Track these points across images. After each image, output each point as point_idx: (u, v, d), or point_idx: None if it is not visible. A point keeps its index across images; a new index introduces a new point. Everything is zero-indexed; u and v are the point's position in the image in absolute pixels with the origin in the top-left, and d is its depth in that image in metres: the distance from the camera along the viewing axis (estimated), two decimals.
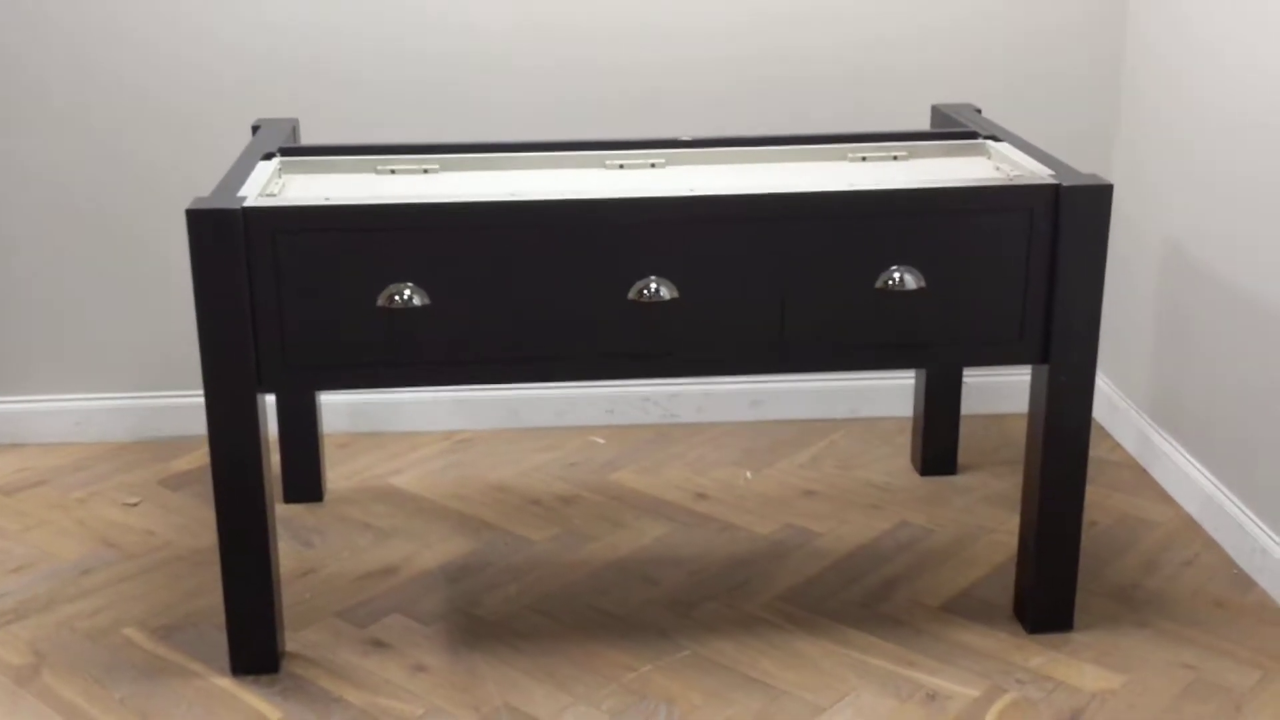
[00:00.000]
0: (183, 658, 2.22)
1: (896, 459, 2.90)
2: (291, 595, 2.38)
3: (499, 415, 3.04)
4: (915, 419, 2.83)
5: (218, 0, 2.77)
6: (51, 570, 2.49)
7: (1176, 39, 2.71)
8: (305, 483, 2.70)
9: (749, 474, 2.85)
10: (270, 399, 2.65)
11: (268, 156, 2.28)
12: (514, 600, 2.39)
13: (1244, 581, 2.44)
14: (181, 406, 2.96)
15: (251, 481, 2.08)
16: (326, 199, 2.07)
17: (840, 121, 2.83)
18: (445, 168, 2.30)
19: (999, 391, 3.08)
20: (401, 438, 3.01)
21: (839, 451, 2.95)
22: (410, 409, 3.02)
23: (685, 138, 2.37)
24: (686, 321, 2.10)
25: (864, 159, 2.36)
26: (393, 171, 2.28)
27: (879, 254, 2.10)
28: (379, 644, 2.26)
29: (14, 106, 2.81)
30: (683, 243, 2.08)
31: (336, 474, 2.83)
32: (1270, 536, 2.40)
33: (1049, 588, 2.26)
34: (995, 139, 2.39)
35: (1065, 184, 2.09)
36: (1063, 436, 2.18)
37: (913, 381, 2.92)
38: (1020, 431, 2.92)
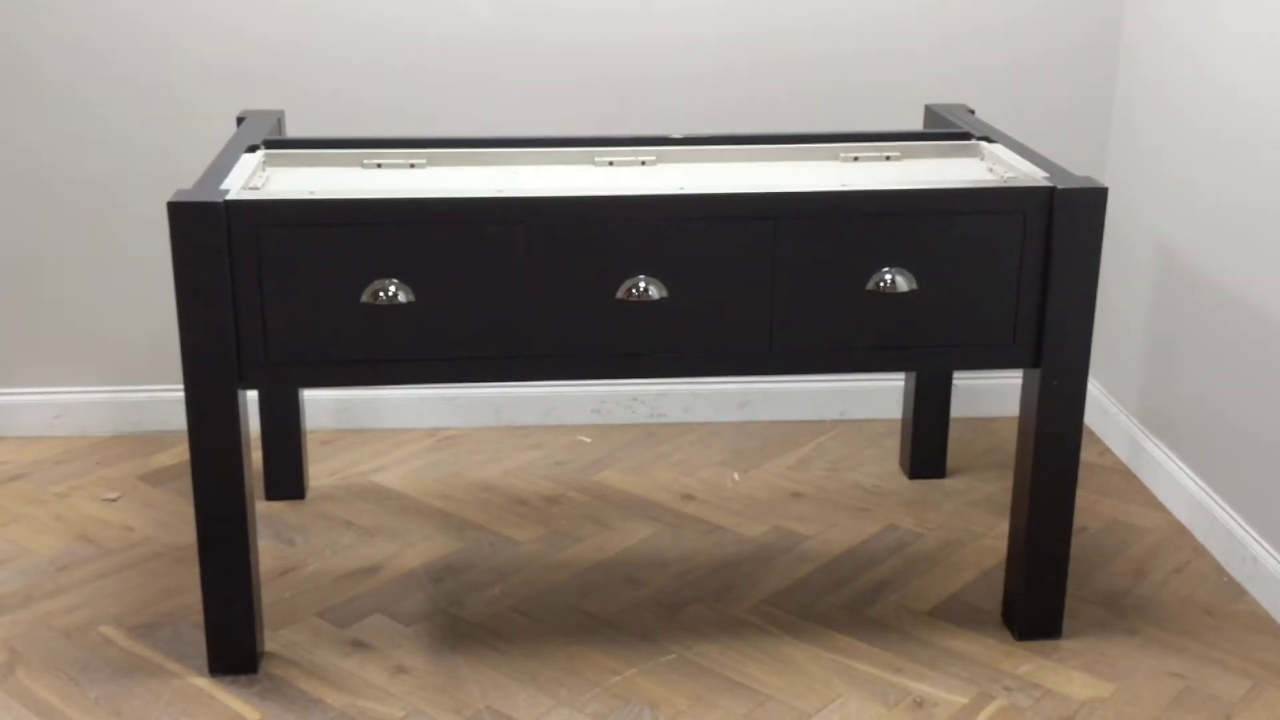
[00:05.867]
0: (160, 657, 2.19)
1: (885, 461, 2.88)
2: (271, 594, 2.35)
3: (485, 413, 3.02)
4: (904, 421, 2.81)
5: None
6: (28, 566, 2.45)
7: (1171, 44, 2.70)
8: (287, 480, 2.68)
9: (736, 475, 2.83)
10: (252, 394, 2.63)
11: (252, 149, 2.25)
12: (497, 601, 2.36)
13: (1234, 589, 2.42)
14: (163, 401, 2.94)
15: (232, 478, 2.05)
16: (311, 193, 2.04)
17: (832, 121, 2.82)
18: (432, 163, 2.28)
19: (988, 394, 3.06)
20: (385, 435, 2.98)
21: (827, 453, 2.93)
22: (395, 406, 3.00)
23: (675, 135, 2.35)
24: (675, 321, 2.08)
25: (856, 159, 2.34)
26: (379, 166, 2.26)
27: (870, 255, 2.08)
28: (360, 644, 2.23)
29: None
30: (672, 242, 2.06)
31: (319, 471, 2.81)
32: (1261, 544, 2.39)
33: (1038, 594, 2.25)
34: (989, 140, 2.37)
35: (1060, 187, 2.07)
36: (1053, 441, 2.16)
37: (902, 384, 2.90)
38: (1009, 435, 2.91)
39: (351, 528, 2.60)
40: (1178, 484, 2.66)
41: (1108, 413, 2.98)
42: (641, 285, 2.05)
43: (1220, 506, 2.52)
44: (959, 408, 2.94)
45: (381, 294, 2.01)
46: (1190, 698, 2.13)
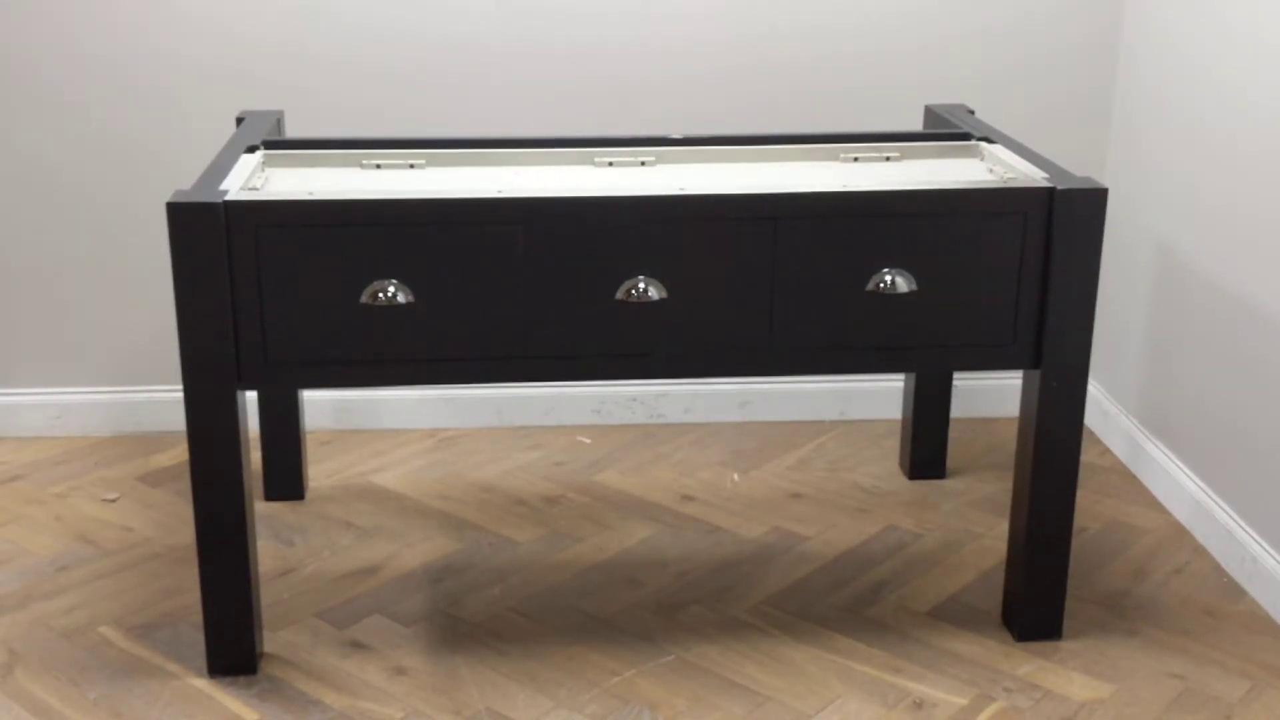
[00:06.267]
0: (159, 657, 2.19)
1: (885, 462, 2.88)
2: (270, 595, 2.35)
3: (484, 413, 3.02)
4: (904, 422, 2.81)
5: None
6: (27, 566, 2.45)
7: (1171, 45, 2.70)
8: (286, 480, 2.67)
9: (736, 476, 2.83)
10: (251, 395, 2.62)
11: (251, 149, 2.25)
12: (497, 602, 2.36)
13: (1234, 590, 2.42)
14: (163, 401, 2.93)
15: (231, 479, 2.05)
16: (310, 193, 2.04)
17: (832, 121, 2.81)
18: (432, 163, 2.27)
19: (988, 395, 3.06)
20: (385, 435, 2.98)
21: (827, 454, 2.93)
22: (394, 406, 3.00)
23: (675, 136, 2.34)
24: (675, 322, 2.08)
25: (856, 159, 2.34)
26: (378, 166, 2.25)
27: (870, 256, 2.08)
28: (359, 645, 2.23)
29: None
30: (672, 242, 2.05)
31: (318, 471, 2.80)
32: (1260, 545, 2.38)
33: (1038, 594, 2.25)
34: (989, 140, 2.36)
35: (1060, 187, 2.07)
36: (1053, 442, 2.16)
37: (902, 384, 2.90)
38: (1009, 435, 2.91)
39: (351, 528, 2.60)
40: (1177, 484, 2.66)
41: (1107, 413, 2.97)
42: (641, 286, 2.05)
43: (1220, 507, 2.52)
44: (959, 408, 2.94)
45: (381, 295, 2.01)
46: (1190, 699, 2.13)
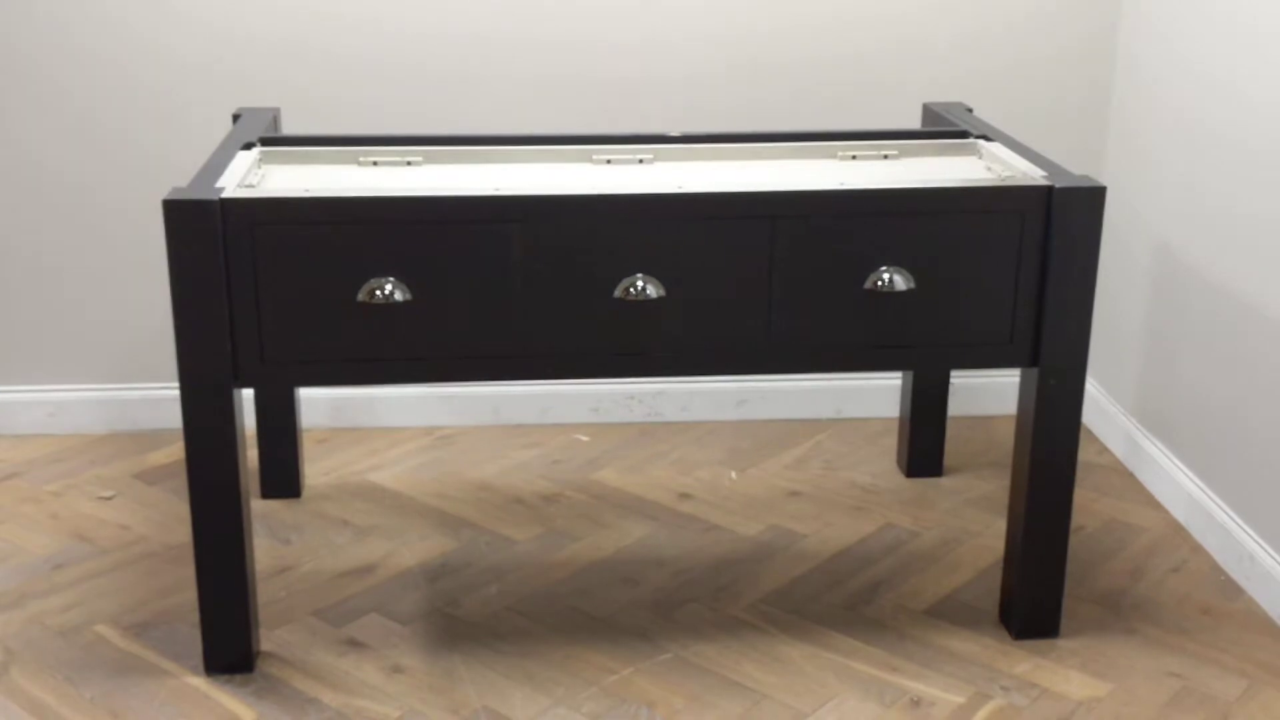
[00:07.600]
0: (155, 656, 2.19)
1: (882, 460, 2.88)
2: (267, 593, 2.35)
3: (481, 412, 3.01)
4: (901, 420, 2.80)
5: None
6: (22, 565, 2.45)
7: (1169, 43, 2.69)
8: (283, 478, 2.67)
9: (734, 474, 2.82)
10: (248, 392, 2.62)
11: (248, 146, 2.25)
12: (494, 601, 2.36)
13: (1231, 588, 2.42)
14: (159, 399, 2.93)
15: (227, 477, 2.05)
16: (306, 191, 2.03)
17: (830, 119, 2.81)
18: (429, 160, 2.27)
19: (986, 393, 3.06)
20: (382, 433, 2.98)
21: (824, 452, 2.92)
22: (391, 404, 2.99)
23: (673, 133, 2.34)
24: (673, 320, 2.08)
25: (854, 157, 2.34)
26: (375, 163, 2.25)
27: (868, 254, 2.08)
28: (356, 644, 2.23)
29: None
30: (670, 240, 2.05)
31: (315, 469, 2.80)
32: (1258, 543, 2.38)
33: (1035, 593, 2.25)
34: (987, 139, 2.36)
35: (1058, 185, 2.07)
36: (1051, 440, 2.16)
37: (899, 382, 2.90)
38: (1007, 434, 2.91)
39: (347, 527, 2.60)
40: (1175, 483, 2.66)
41: (1105, 411, 2.97)
42: (639, 284, 2.04)
43: (1217, 505, 2.52)
44: (956, 406, 2.94)
45: (378, 292, 2.00)
46: (1187, 697, 2.13)
